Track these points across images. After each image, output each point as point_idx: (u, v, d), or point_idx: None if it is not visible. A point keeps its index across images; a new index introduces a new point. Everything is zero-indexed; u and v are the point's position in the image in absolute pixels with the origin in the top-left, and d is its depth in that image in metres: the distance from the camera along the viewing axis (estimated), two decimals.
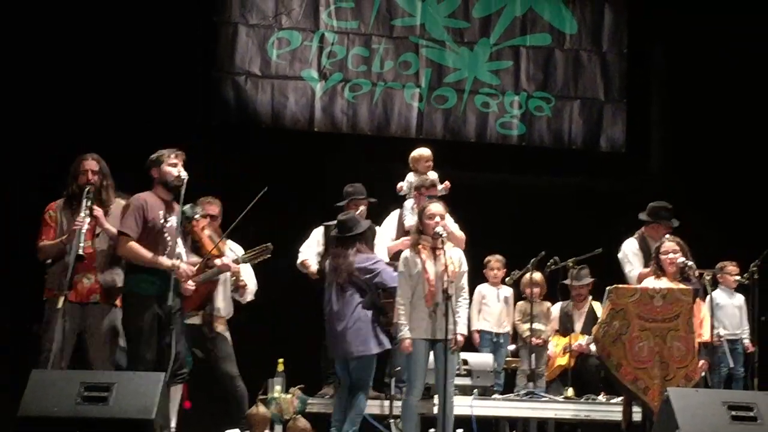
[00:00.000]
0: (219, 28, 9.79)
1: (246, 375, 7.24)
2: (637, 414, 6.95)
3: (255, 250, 6.92)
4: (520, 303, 8.50)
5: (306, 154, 9.57)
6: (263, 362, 7.43)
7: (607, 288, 6.92)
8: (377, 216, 7.76)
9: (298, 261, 7.67)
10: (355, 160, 9.36)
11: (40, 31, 8.90)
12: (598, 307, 8.33)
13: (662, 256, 7.06)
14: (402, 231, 7.72)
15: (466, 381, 7.44)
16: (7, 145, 8.59)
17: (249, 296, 7.36)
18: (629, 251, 7.62)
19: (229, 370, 7.12)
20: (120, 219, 6.18)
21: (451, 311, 6.27)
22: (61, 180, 6.80)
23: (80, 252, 6.05)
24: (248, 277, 7.32)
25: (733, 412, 5.57)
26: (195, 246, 6.76)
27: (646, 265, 7.47)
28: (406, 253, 6.61)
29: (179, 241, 6.25)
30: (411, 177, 7.96)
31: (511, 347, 8.64)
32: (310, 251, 7.67)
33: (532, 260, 8.21)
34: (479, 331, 8.44)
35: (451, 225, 7.19)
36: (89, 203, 6.27)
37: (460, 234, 7.38)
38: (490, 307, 8.53)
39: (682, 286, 6.92)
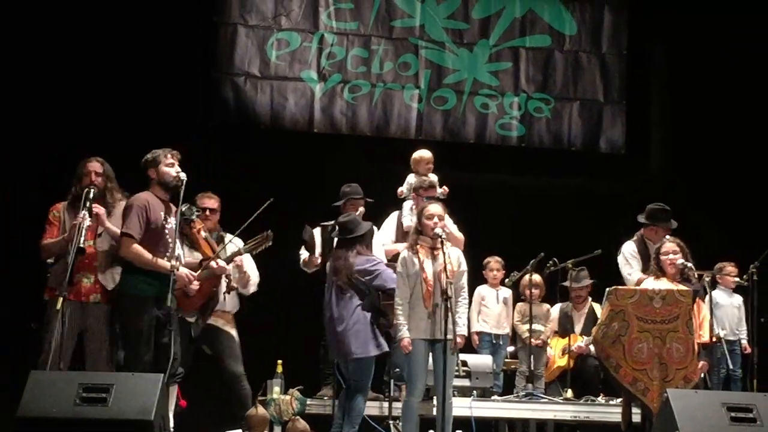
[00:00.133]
0: (219, 29, 9.79)
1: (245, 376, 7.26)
2: (636, 415, 6.95)
3: (256, 239, 6.92)
4: (519, 304, 8.50)
5: (306, 155, 9.57)
6: (262, 363, 7.43)
7: (607, 289, 6.92)
8: (376, 217, 7.76)
9: (301, 262, 7.67)
10: (354, 160, 9.36)
11: (40, 32, 8.89)
12: (598, 308, 8.33)
13: (662, 257, 7.07)
14: (401, 232, 7.72)
15: (465, 382, 7.44)
16: (7, 145, 8.58)
17: (252, 287, 7.37)
18: (627, 254, 7.62)
19: (235, 369, 7.13)
20: (122, 220, 6.18)
21: (450, 312, 6.26)
22: (61, 180, 6.82)
23: (81, 245, 6.06)
24: (250, 268, 7.32)
25: (733, 414, 5.57)
26: (192, 247, 6.81)
27: (644, 267, 7.47)
28: (404, 253, 6.61)
29: (178, 241, 6.26)
30: (411, 178, 7.97)
31: (510, 348, 8.64)
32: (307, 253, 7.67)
33: (532, 262, 8.21)
34: (478, 333, 8.44)
35: (450, 226, 7.20)
36: (89, 203, 6.28)
37: (459, 235, 7.39)
38: (490, 309, 8.52)
39: (681, 287, 6.92)
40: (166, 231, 6.15)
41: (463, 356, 7.17)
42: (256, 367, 7.41)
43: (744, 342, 8.81)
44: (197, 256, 6.88)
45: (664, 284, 6.94)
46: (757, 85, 10.04)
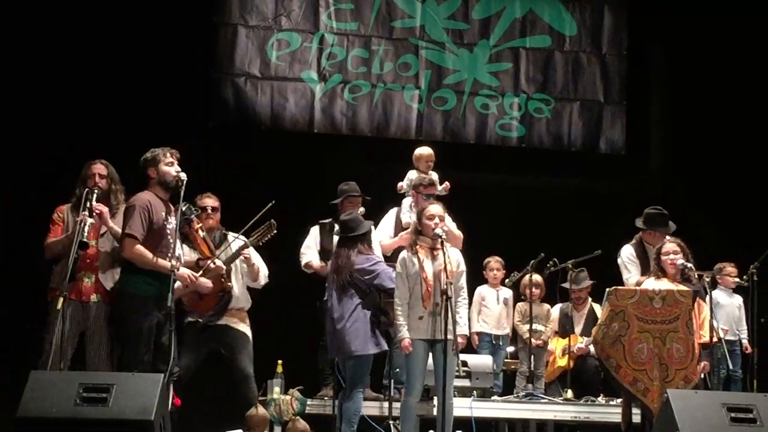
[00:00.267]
0: (219, 29, 9.79)
1: None
2: (636, 416, 6.95)
3: (260, 230, 6.93)
4: (519, 304, 8.50)
5: (306, 155, 9.57)
6: (262, 364, 7.42)
7: (607, 290, 6.92)
8: (375, 217, 7.76)
9: (303, 263, 7.67)
10: (354, 161, 9.36)
11: (40, 32, 8.89)
12: (598, 309, 8.33)
13: (663, 257, 7.07)
14: (399, 228, 7.74)
15: (466, 382, 7.44)
16: (7, 145, 8.59)
17: (263, 280, 7.36)
18: (626, 258, 7.61)
19: (246, 370, 7.13)
20: (123, 220, 6.19)
21: (450, 312, 6.26)
22: (61, 180, 6.83)
23: (84, 239, 6.07)
24: (258, 261, 7.32)
25: (733, 414, 5.57)
26: (190, 246, 6.83)
27: (643, 271, 7.46)
28: (404, 253, 6.61)
29: (179, 241, 6.26)
30: (412, 174, 7.98)
31: (510, 349, 8.64)
32: (312, 252, 7.69)
33: (532, 262, 8.20)
34: (478, 333, 8.44)
35: (449, 224, 7.20)
36: (90, 203, 6.29)
37: (458, 233, 7.40)
38: (490, 309, 8.52)
39: (682, 287, 6.92)
40: (168, 231, 6.14)
41: (463, 356, 7.17)
42: (257, 367, 7.40)
43: (745, 342, 8.81)
44: (193, 256, 6.91)
45: (664, 285, 6.94)
46: (757, 85, 10.04)
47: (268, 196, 6.87)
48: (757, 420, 5.55)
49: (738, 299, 8.95)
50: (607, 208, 9.68)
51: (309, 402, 7.39)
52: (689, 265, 6.97)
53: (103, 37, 9.02)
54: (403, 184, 8.01)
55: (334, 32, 9.98)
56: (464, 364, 7.36)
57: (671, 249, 7.05)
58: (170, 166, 6.19)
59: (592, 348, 7.91)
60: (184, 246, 6.96)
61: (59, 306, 6.00)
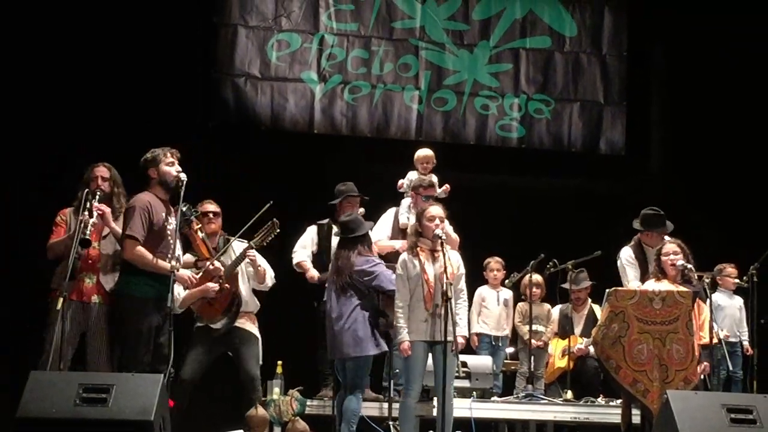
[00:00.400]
0: (219, 30, 9.79)
1: None
2: (636, 416, 6.95)
3: (263, 230, 6.92)
4: (520, 304, 8.50)
5: (306, 156, 9.58)
6: (262, 364, 7.42)
7: (607, 290, 6.92)
8: (374, 217, 7.75)
9: (294, 262, 7.69)
10: (354, 161, 9.36)
11: (40, 32, 8.89)
12: (598, 309, 8.33)
13: (663, 258, 7.06)
14: (397, 229, 7.74)
15: (465, 383, 7.43)
16: (7, 145, 8.59)
17: (269, 281, 7.37)
18: (624, 260, 7.58)
19: (252, 372, 7.14)
20: (123, 221, 6.18)
21: (450, 313, 6.26)
22: (61, 180, 6.83)
23: (85, 236, 6.08)
24: (262, 263, 7.32)
25: (732, 415, 5.56)
26: (189, 246, 6.84)
27: (642, 272, 7.45)
28: (404, 255, 6.61)
29: (179, 242, 6.26)
30: (412, 175, 7.98)
31: (510, 350, 8.64)
32: (305, 252, 7.69)
33: (532, 263, 8.20)
34: (478, 335, 8.44)
35: (446, 226, 7.19)
36: (90, 203, 6.30)
37: (455, 236, 7.39)
38: (490, 310, 8.52)
39: (682, 288, 6.92)
40: (168, 231, 6.14)
41: (463, 357, 7.18)
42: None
43: (745, 343, 8.81)
44: (190, 257, 6.92)
45: (665, 286, 6.94)
46: (757, 85, 10.04)
47: (268, 196, 6.87)
48: (757, 421, 5.54)
49: (738, 300, 8.96)
50: (607, 208, 9.68)
51: (309, 402, 7.39)
52: (689, 266, 6.96)
53: (103, 37, 9.02)
54: (403, 182, 8.01)
55: (334, 33, 9.98)
56: (464, 364, 7.37)
57: (671, 250, 7.05)
58: (171, 166, 6.19)
59: (591, 349, 7.91)
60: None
61: (59, 306, 6.00)
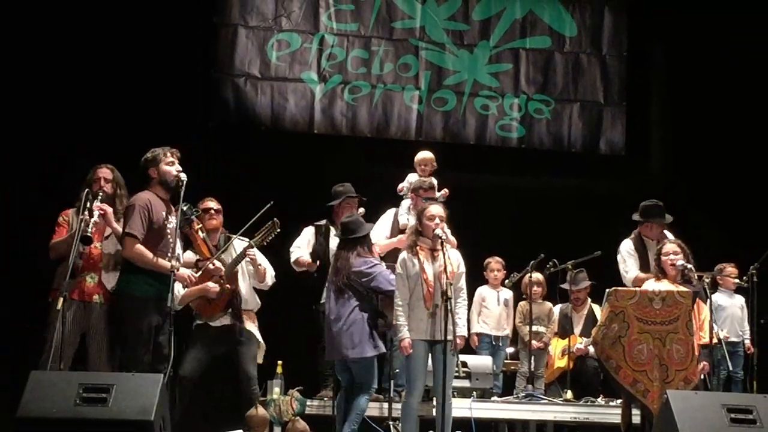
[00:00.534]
0: (219, 30, 9.79)
1: None
2: (636, 416, 6.94)
3: (264, 230, 6.94)
4: (521, 304, 8.49)
5: (306, 156, 9.58)
6: (262, 364, 7.43)
7: (607, 290, 6.91)
8: (374, 217, 7.75)
9: (292, 259, 7.69)
10: (354, 161, 9.36)
11: (40, 32, 8.89)
12: (597, 309, 8.33)
13: (663, 258, 7.06)
14: (396, 229, 7.74)
15: (465, 383, 7.44)
16: (7, 145, 8.59)
17: (270, 280, 7.38)
18: (624, 252, 7.63)
19: (249, 371, 7.15)
20: (123, 220, 6.19)
21: (450, 313, 6.26)
22: (61, 180, 6.84)
23: (88, 233, 6.08)
24: (263, 261, 7.32)
25: (732, 415, 5.56)
26: (190, 245, 6.85)
27: (642, 264, 7.47)
28: (404, 254, 6.60)
29: (179, 241, 6.27)
30: (412, 177, 7.98)
31: (510, 350, 8.64)
32: (301, 251, 7.69)
33: (532, 263, 8.20)
34: (478, 334, 8.44)
35: (444, 228, 7.19)
36: (90, 203, 6.31)
37: (452, 238, 7.38)
38: (490, 310, 8.52)
39: (682, 288, 6.92)
40: (168, 231, 6.15)
41: (463, 357, 7.19)
42: (257, 368, 7.41)
43: (747, 342, 8.80)
44: (191, 256, 6.92)
45: (665, 286, 6.94)
46: (757, 85, 10.04)
47: (268, 196, 6.87)
48: (757, 421, 5.54)
49: (740, 299, 8.95)
50: (608, 208, 9.66)
51: (309, 402, 7.39)
52: (689, 265, 6.96)
53: (103, 37, 9.02)
54: (403, 186, 8.01)
55: (334, 33, 9.98)
56: (464, 364, 7.37)
57: (671, 250, 7.05)
58: (171, 166, 6.19)
59: (591, 349, 7.91)
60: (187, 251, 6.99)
61: (59, 306, 6.00)
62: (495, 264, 8.62)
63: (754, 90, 10.07)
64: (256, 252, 7.08)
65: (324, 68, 9.94)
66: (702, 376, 7.04)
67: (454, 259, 6.52)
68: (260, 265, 7.19)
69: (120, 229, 6.32)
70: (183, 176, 6.15)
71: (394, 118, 10.05)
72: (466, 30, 10.26)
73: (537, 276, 8.33)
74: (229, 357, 7.21)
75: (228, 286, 7.03)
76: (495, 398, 7.74)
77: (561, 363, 8.42)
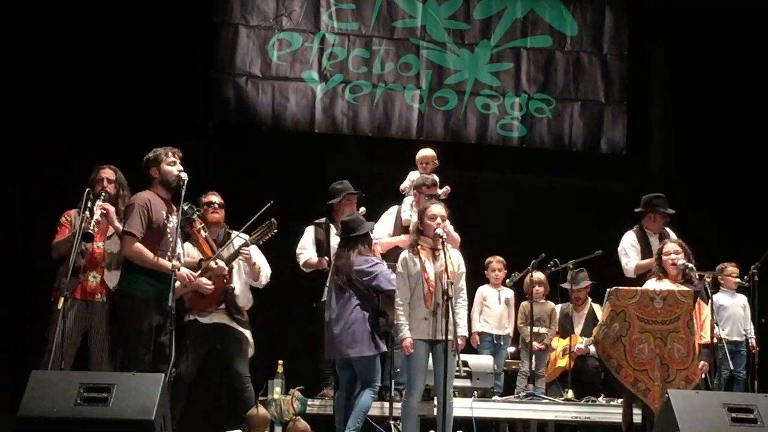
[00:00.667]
0: (219, 29, 9.79)
1: None
2: (637, 416, 6.95)
3: (261, 229, 6.94)
4: (523, 303, 8.47)
5: (306, 155, 9.57)
6: (263, 364, 7.43)
7: (608, 290, 6.91)
8: (375, 216, 7.75)
9: (301, 262, 7.67)
10: (355, 161, 9.36)
11: (40, 32, 8.89)
12: (598, 309, 8.33)
13: (664, 257, 7.06)
14: (399, 226, 7.73)
15: (466, 383, 7.44)
16: (7, 145, 8.59)
17: (264, 279, 7.37)
18: (626, 243, 7.67)
19: (241, 370, 7.13)
20: (124, 219, 6.19)
21: (451, 312, 6.26)
22: (61, 180, 6.84)
23: (90, 230, 6.08)
24: (260, 260, 7.33)
25: (733, 414, 5.56)
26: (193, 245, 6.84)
27: (644, 257, 7.48)
28: (405, 253, 6.60)
29: (179, 241, 6.27)
30: (413, 175, 7.98)
31: (512, 349, 8.63)
32: (308, 252, 7.68)
33: (533, 262, 8.20)
34: (480, 333, 8.43)
35: (447, 225, 7.18)
36: (90, 203, 6.30)
37: (455, 235, 7.39)
38: (491, 309, 8.51)
39: (683, 287, 6.92)
40: (168, 230, 6.15)
41: (464, 357, 7.18)
42: (257, 367, 7.41)
43: (752, 341, 8.78)
44: (194, 255, 6.91)
45: (666, 285, 6.94)
46: (758, 85, 10.04)
47: (268, 196, 6.87)
48: (758, 420, 5.54)
49: (741, 299, 8.94)
50: (608, 208, 9.66)
51: (309, 402, 7.39)
52: (690, 265, 6.97)
53: (103, 37, 9.02)
54: (405, 185, 8.01)
55: (335, 32, 9.98)
56: (465, 364, 7.37)
57: (672, 249, 7.05)
58: (172, 166, 6.20)
59: (592, 348, 7.91)
60: (187, 245, 6.98)
61: (60, 306, 6.00)
62: (496, 263, 8.60)
63: (755, 90, 10.07)
64: (251, 250, 7.08)
65: (325, 67, 9.94)
66: (702, 376, 7.04)
67: (454, 259, 6.52)
68: (255, 263, 7.19)
69: (120, 228, 6.32)
70: (184, 176, 6.16)
71: (395, 118, 10.05)
72: (467, 29, 10.26)
73: (539, 275, 8.32)
74: (220, 355, 7.19)
75: (232, 285, 7.04)
76: (496, 398, 7.73)
77: (562, 362, 8.42)
